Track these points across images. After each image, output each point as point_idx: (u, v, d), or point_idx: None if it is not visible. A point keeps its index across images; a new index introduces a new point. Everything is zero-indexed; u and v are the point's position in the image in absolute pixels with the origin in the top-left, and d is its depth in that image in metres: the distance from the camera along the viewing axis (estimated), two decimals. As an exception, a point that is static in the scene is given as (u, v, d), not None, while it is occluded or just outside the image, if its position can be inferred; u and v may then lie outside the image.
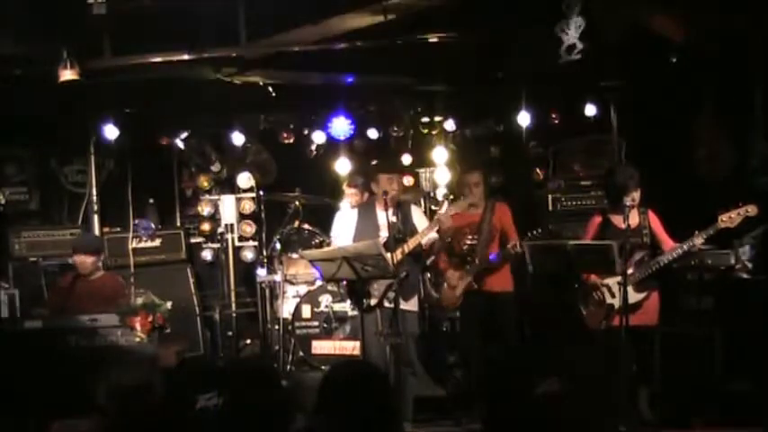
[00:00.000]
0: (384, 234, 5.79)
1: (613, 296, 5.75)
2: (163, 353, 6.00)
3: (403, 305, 5.74)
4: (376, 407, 2.79)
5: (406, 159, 8.81)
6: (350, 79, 8.06)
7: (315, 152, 8.79)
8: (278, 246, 7.68)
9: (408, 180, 8.62)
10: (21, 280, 7.72)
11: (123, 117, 8.27)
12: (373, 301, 5.68)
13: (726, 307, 6.53)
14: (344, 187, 7.10)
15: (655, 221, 5.89)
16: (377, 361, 5.53)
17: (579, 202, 8.07)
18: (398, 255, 5.70)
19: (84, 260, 6.50)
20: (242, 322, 8.37)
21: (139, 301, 5.95)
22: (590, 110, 8.16)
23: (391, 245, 5.61)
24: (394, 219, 5.81)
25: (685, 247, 5.58)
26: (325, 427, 2.78)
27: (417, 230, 5.98)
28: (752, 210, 5.51)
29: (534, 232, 6.09)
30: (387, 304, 5.71)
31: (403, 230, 5.94)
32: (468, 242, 6.29)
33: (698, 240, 5.55)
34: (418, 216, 6.22)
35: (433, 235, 5.97)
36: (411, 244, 5.82)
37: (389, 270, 5.38)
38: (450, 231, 6.22)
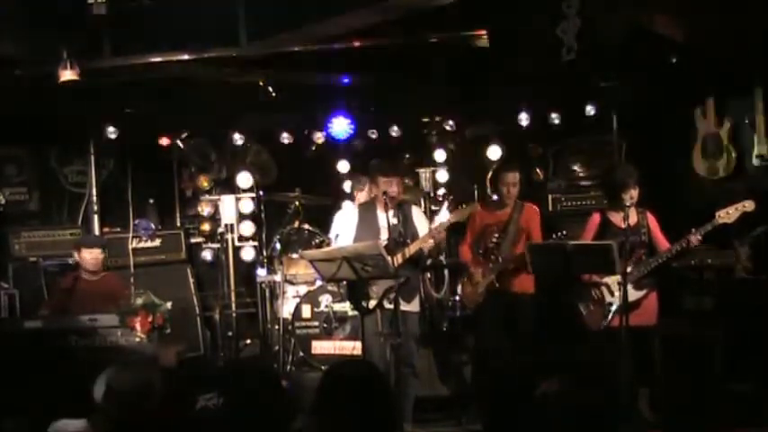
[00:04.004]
0: (384, 235, 5.79)
1: (612, 294, 5.76)
2: (163, 353, 6.00)
3: (404, 306, 5.73)
4: (375, 406, 2.79)
5: (407, 160, 8.83)
6: (350, 79, 8.06)
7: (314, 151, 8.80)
8: (278, 246, 7.68)
9: (408, 181, 8.62)
10: (21, 280, 7.71)
11: (123, 117, 8.27)
12: (372, 303, 5.67)
13: (726, 307, 6.53)
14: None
15: (653, 222, 5.91)
16: (378, 361, 5.53)
17: (579, 203, 8.06)
18: (399, 259, 5.69)
19: (99, 255, 6.58)
20: (242, 322, 8.36)
21: (139, 301, 5.95)
22: (590, 110, 8.16)
23: (392, 247, 5.60)
24: (395, 221, 5.80)
25: (684, 243, 5.58)
26: (324, 427, 2.78)
27: (418, 232, 5.98)
28: (749, 205, 5.51)
29: (558, 235, 6.03)
30: (387, 305, 5.70)
31: (404, 232, 5.93)
32: (494, 240, 6.29)
33: (695, 238, 5.55)
34: (419, 217, 6.21)
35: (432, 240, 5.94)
36: (412, 249, 5.81)
37: (390, 270, 5.38)
38: (478, 227, 6.34)
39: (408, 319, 5.90)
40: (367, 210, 6.21)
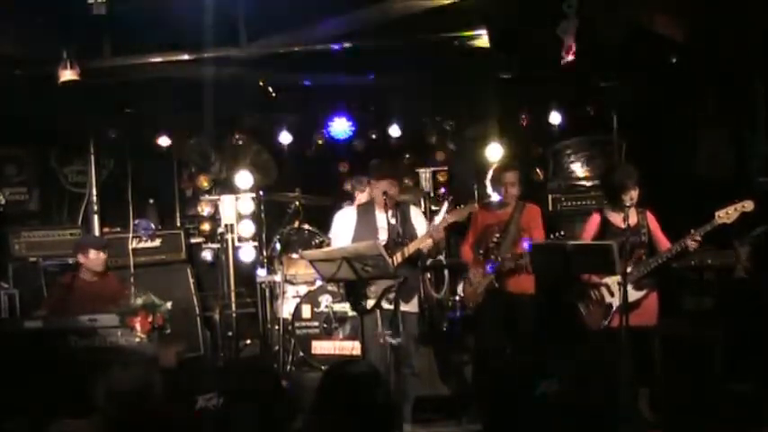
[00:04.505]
0: (383, 236, 5.79)
1: (612, 295, 5.76)
2: (163, 353, 6.00)
3: (403, 306, 5.73)
4: (375, 406, 2.79)
5: (407, 160, 8.84)
6: (351, 79, 8.06)
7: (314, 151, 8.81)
8: (278, 246, 7.68)
9: (408, 181, 8.62)
10: (21, 280, 7.72)
11: (123, 117, 8.28)
12: (370, 303, 5.67)
13: (726, 307, 6.53)
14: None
15: (653, 222, 5.90)
16: (377, 362, 5.52)
17: (579, 203, 8.06)
18: (398, 258, 5.69)
19: (103, 256, 6.57)
20: (242, 322, 8.36)
21: (139, 301, 5.95)
22: (590, 110, 8.16)
23: (391, 247, 5.60)
24: (393, 221, 5.80)
25: (683, 244, 5.58)
26: (324, 427, 2.78)
27: (417, 232, 5.98)
28: (748, 205, 5.49)
29: (556, 235, 6.03)
30: (386, 306, 5.70)
31: (402, 233, 5.92)
32: (495, 240, 6.30)
33: (693, 240, 5.54)
34: (417, 217, 6.21)
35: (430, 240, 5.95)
36: (410, 249, 5.81)
37: (389, 270, 5.37)
38: (480, 228, 6.36)
39: (407, 320, 5.89)
40: (366, 210, 6.21)
